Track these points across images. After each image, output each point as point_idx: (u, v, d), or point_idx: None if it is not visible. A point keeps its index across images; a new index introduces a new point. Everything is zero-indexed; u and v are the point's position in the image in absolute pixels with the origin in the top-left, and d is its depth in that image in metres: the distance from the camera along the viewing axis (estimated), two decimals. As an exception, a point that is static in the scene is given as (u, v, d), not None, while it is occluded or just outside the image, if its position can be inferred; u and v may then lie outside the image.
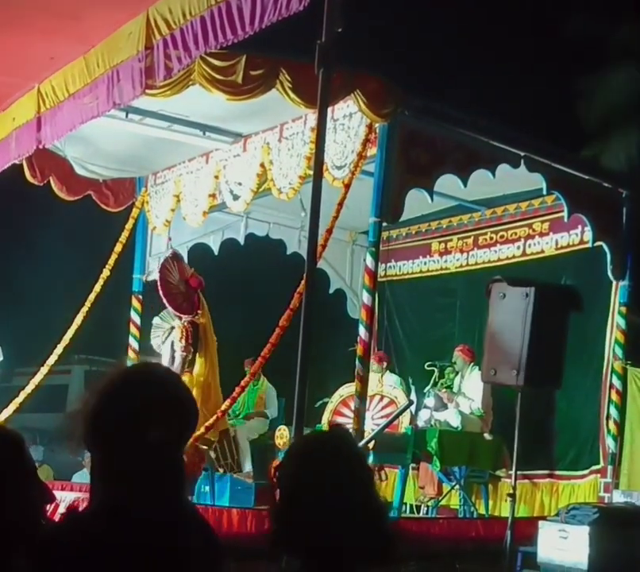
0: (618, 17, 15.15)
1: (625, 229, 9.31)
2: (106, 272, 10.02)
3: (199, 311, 8.89)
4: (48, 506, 2.11)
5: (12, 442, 2.09)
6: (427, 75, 12.77)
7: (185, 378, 8.30)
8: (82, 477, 9.75)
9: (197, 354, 8.78)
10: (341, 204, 7.85)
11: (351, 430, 7.49)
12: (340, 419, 9.16)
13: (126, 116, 8.58)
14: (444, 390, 9.48)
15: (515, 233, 10.38)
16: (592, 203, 9.10)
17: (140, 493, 1.96)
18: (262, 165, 8.87)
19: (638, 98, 15.32)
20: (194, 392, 8.01)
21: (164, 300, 8.83)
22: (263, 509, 7.09)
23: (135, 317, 10.51)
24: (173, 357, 8.99)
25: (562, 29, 15.27)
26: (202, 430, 7.72)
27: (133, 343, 10.49)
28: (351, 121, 8.03)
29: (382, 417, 8.66)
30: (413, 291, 11.44)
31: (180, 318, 8.85)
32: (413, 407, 8.84)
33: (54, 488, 7.99)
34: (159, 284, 8.87)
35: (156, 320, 9.55)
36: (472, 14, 15.53)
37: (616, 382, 9.14)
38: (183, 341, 8.79)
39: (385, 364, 9.87)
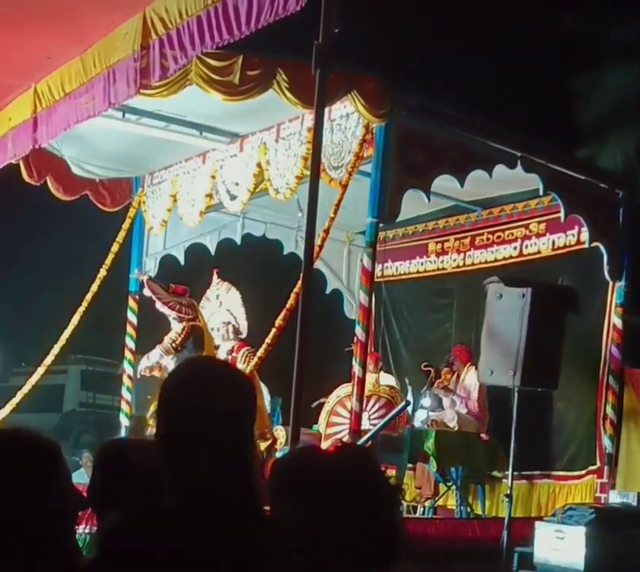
0: (616, 15, 15.15)
1: (621, 230, 9.32)
2: (102, 272, 10.01)
3: (197, 312, 8.93)
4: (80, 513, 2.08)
5: (47, 450, 1.98)
6: (424, 75, 12.76)
7: None
8: (80, 477, 9.73)
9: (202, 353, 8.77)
10: (337, 204, 7.85)
11: (348, 431, 7.51)
12: (336, 419, 9.16)
13: (123, 116, 8.57)
14: (441, 387, 9.48)
15: (512, 234, 10.38)
16: (589, 204, 9.10)
17: (213, 469, 2.01)
18: (259, 165, 8.87)
19: (634, 98, 15.32)
20: None
21: (166, 308, 8.84)
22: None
23: (132, 317, 10.49)
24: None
25: (559, 28, 15.27)
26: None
27: (130, 343, 10.47)
28: (348, 121, 8.02)
29: (379, 418, 8.66)
30: (410, 292, 11.44)
31: (182, 320, 8.87)
32: (410, 408, 8.85)
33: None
34: (154, 296, 8.87)
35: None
36: (469, 14, 15.54)
37: (613, 383, 9.13)
38: (179, 341, 8.80)
39: (380, 364, 9.88)
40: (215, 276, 9.58)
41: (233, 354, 9.12)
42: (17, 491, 1.86)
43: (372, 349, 10.31)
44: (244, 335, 9.29)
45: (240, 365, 8.53)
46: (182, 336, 8.82)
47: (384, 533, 2.28)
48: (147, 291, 8.99)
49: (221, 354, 8.97)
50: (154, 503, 2.06)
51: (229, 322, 9.28)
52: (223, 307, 9.41)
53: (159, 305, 8.88)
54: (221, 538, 1.95)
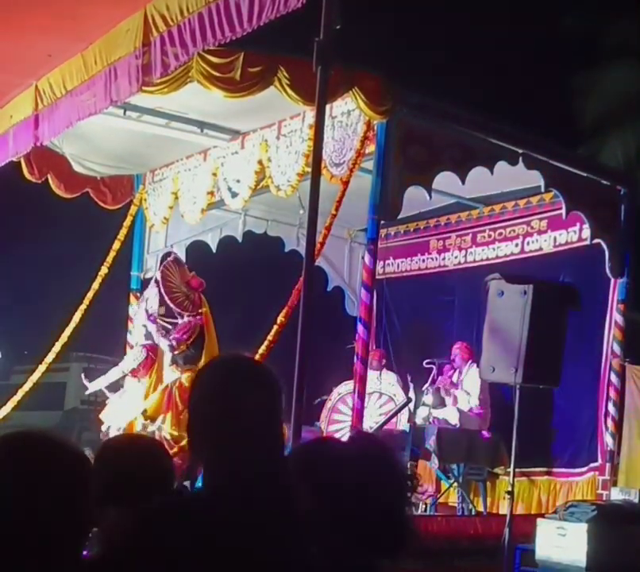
0: (617, 13, 15.14)
1: (623, 227, 9.32)
2: (104, 270, 10.01)
3: (201, 311, 8.87)
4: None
5: (77, 465, 1.93)
6: (426, 72, 12.75)
7: (188, 375, 8.33)
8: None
9: (202, 352, 8.76)
10: (339, 201, 7.85)
11: (349, 428, 7.51)
12: (338, 417, 9.17)
13: (124, 113, 8.58)
14: (443, 384, 9.48)
15: (513, 231, 10.38)
16: (590, 201, 9.09)
17: (245, 464, 2.10)
18: (260, 162, 8.86)
19: (636, 95, 15.31)
20: None
21: (166, 298, 8.80)
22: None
23: (133, 314, 10.48)
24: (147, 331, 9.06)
25: (560, 25, 15.26)
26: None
27: (131, 341, 10.46)
28: (349, 118, 8.02)
29: (380, 415, 8.67)
30: (411, 289, 11.43)
31: (182, 316, 8.84)
32: (411, 405, 8.85)
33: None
34: (160, 283, 8.84)
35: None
36: (470, 11, 15.52)
37: (614, 379, 9.14)
38: (187, 339, 8.81)
39: (384, 361, 9.89)
40: None
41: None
42: (56, 499, 1.84)
43: (374, 347, 10.33)
44: None
45: None
46: (187, 333, 8.83)
47: (396, 522, 2.37)
48: (157, 274, 8.93)
49: None
50: (168, 496, 2.10)
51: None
52: None
53: (156, 292, 8.84)
54: (252, 529, 2.00)
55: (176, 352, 8.66)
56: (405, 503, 2.46)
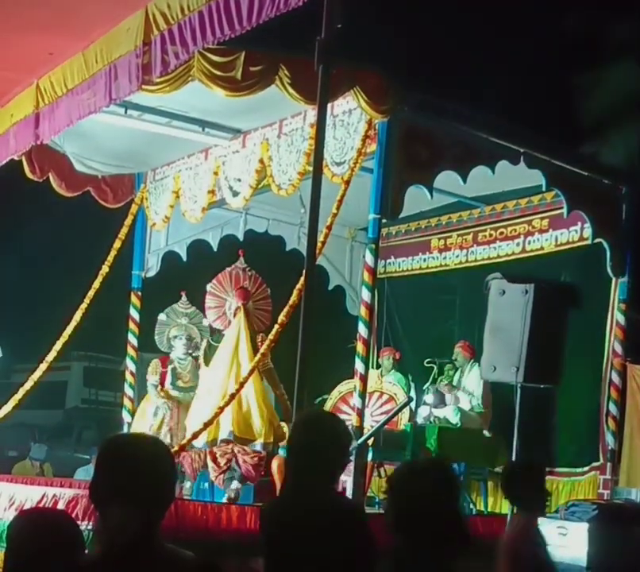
0: (619, 11, 15.11)
1: (624, 226, 9.31)
2: (105, 269, 10.00)
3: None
4: None
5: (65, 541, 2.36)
6: (427, 71, 12.72)
7: None
8: (89, 472, 9.71)
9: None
10: (340, 201, 7.83)
11: (351, 427, 7.50)
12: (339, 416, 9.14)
13: (125, 112, 8.57)
14: (445, 384, 9.48)
15: (515, 230, 10.37)
16: (592, 200, 9.08)
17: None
18: (261, 161, 8.85)
19: (638, 93, 15.29)
20: None
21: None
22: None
23: (134, 313, 10.49)
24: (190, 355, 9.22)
25: (562, 24, 15.24)
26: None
27: (132, 340, 10.47)
28: (350, 117, 8.01)
29: (381, 414, 8.66)
30: (412, 288, 11.42)
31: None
32: (412, 404, 8.84)
33: (54, 485, 7.99)
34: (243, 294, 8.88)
35: (161, 316, 9.59)
36: (472, 9, 15.50)
37: (616, 379, 9.13)
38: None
39: (398, 357, 9.93)
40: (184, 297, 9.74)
41: None
42: None
43: (376, 346, 10.33)
44: None
45: None
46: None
47: (458, 523, 2.81)
48: (246, 284, 8.98)
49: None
50: None
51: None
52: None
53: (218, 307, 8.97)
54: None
55: None
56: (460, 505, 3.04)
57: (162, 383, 9.36)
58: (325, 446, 3.31)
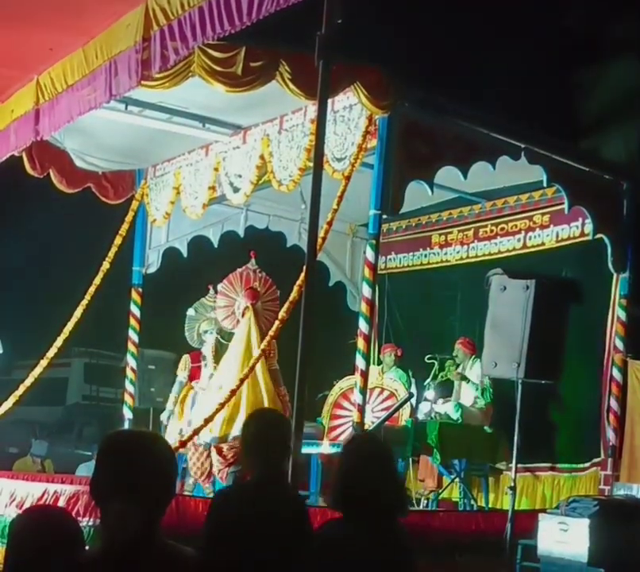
0: (619, 7, 15.10)
1: (625, 222, 9.30)
2: (105, 265, 9.99)
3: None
4: None
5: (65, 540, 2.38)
6: (427, 66, 12.71)
7: None
8: (90, 468, 9.70)
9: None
10: (341, 196, 7.82)
11: (352, 423, 7.51)
12: (340, 412, 9.16)
13: (126, 108, 8.55)
14: (456, 372, 9.45)
15: (516, 226, 10.37)
16: (593, 195, 9.08)
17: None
18: (262, 157, 8.85)
19: (638, 89, 15.28)
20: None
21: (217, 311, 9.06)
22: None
23: (135, 310, 10.48)
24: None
25: (562, 20, 15.22)
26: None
27: (133, 336, 10.46)
28: (351, 112, 8.00)
29: (382, 410, 8.66)
30: (413, 284, 11.42)
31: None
32: (413, 400, 8.84)
33: (55, 482, 7.97)
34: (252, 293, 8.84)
35: (190, 312, 9.52)
36: (472, 7, 15.48)
37: (616, 374, 9.14)
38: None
39: (400, 354, 9.92)
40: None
41: None
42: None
43: (377, 342, 10.32)
44: None
45: None
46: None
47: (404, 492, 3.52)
48: (256, 285, 8.95)
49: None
50: None
51: None
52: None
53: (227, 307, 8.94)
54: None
55: None
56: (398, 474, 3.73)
57: (191, 379, 9.27)
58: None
